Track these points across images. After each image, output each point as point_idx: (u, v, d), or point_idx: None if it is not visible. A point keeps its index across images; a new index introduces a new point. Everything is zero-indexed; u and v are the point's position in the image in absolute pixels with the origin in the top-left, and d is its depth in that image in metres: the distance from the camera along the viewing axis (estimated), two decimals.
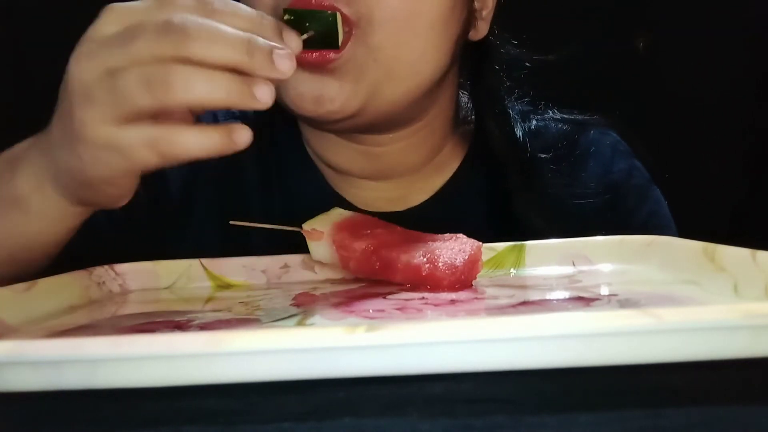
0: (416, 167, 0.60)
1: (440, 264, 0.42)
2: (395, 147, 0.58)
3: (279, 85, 0.49)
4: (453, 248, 0.43)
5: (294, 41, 0.38)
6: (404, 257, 0.43)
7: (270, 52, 0.35)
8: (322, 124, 0.53)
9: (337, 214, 0.48)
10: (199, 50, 0.34)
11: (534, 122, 0.64)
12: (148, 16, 0.35)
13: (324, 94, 0.48)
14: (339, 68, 0.48)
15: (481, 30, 0.58)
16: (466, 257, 0.42)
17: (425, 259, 0.42)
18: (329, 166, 0.61)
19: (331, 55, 0.47)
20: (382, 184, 0.60)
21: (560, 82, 0.65)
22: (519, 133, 0.61)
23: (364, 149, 0.58)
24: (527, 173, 0.60)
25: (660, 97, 0.97)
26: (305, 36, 0.42)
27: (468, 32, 0.57)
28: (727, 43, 0.95)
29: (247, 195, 0.62)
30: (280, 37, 0.37)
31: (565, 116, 0.65)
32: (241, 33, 0.35)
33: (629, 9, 0.97)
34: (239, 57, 0.34)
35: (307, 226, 0.47)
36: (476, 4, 0.56)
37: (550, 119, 0.65)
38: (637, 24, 0.98)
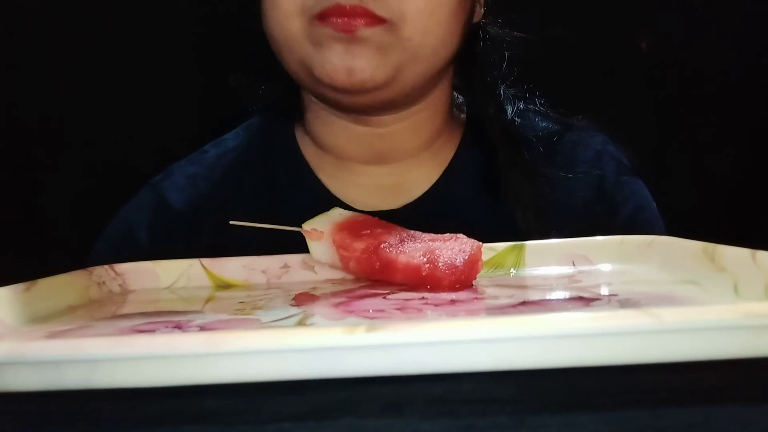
0: (415, 151, 0.63)
1: (440, 264, 0.42)
2: (398, 127, 0.61)
3: (314, 64, 0.53)
4: (453, 248, 0.43)
5: None
6: (404, 257, 0.43)
7: None
8: (353, 96, 0.55)
9: (337, 213, 0.48)
10: None
11: (527, 116, 0.66)
12: None
13: (355, 65, 0.52)
14: (367, 42, 0.52)
15: (478, 13, 0.62)
16: (466, 257, 0.42)
17: (425, 259, 0.42)
18: (331, 152, 0.62)
19: (358, 22, 0.51)
20: (381, 169, 0.62)
21: (555, 79, 0.66)
22: (511, 116, 0.64)
23: (367, 131, 0.61)
24: (519, 160, 0.62)
25: (660, 95, 0.97)
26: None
27: (473, 15, 0.60)
28: (727, 42, 0.95)
29: (244, 201, 0.63)
30: None
31: (556, 116, 0.67)
32: None
33: (630, 7, 0.97)
34: None
35: (307, 226, 0.47)
36: None
37: (542, 116, 0.67)
38: (637, 21, 0.98)
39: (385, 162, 0.62)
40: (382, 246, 0.44)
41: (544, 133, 0.65)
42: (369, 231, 0.46)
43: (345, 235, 0.45)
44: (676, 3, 0.95)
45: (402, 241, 0.45)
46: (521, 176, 0.61)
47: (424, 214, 0.61)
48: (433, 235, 0.46)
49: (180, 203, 0.63)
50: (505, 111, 0.64)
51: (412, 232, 0.46)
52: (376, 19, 0.51)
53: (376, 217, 0.48)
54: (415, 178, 0.63)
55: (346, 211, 0.48)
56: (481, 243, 0.44)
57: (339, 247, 0.45)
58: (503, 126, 0.63)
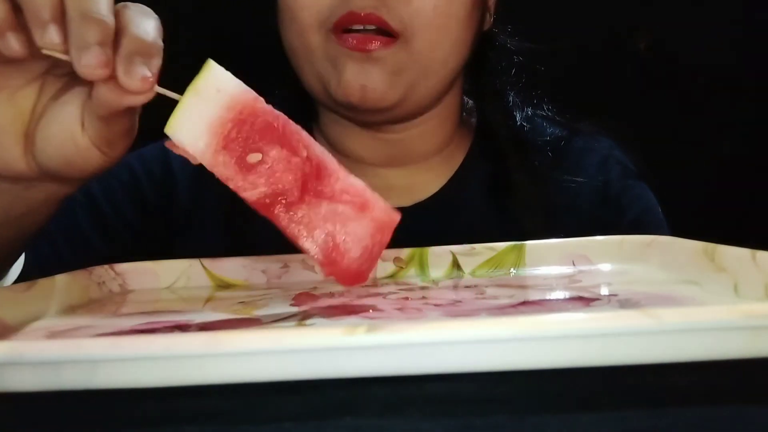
0: (427, 155, 0.63)
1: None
2: (409, 134, 0.61)
3: (330, 81, 0.54)
4: None
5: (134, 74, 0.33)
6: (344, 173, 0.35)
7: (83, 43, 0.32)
8: (364, 114, 0.56)
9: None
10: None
11: (535, 122, 0.66)
12: None
13: (368, 85, 0.53)
14: (381, 62, 0.53)
15: (488, 21, 0.62)
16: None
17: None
18: (344, 154, 0.63)
19: (373, 44, 0.52)
20: (393, 171, 0.63)
21: (561, 84, 0.66)
22: (520, 122, 0.64)
23: (380, 136, 0.61)
24: (527, 165, 0.62)
25: (660, 96, 0.97)
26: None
27: (483, 24, 0.61)
28: (727, 42, 0.95)
29: None
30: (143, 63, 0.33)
31: (563, 122, 0.67)
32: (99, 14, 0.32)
33: (630, 7, 0.97)
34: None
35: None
36: None
37: (549, 122, 0.67)
38: (638, 22, 0.98)
39: (397, 165, 0.63)
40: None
41: (552, 138, 0.65)
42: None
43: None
44: (677, 4, 0.96)
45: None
46: (529, 181, 0.62)
47: (433, 213, 0.61)
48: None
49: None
50: (514, 117, 0.65)
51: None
52: (389, 39, 0.52)
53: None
54: (426, 180, 0.63)
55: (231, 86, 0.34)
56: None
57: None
58: (512, 131, 0.64)
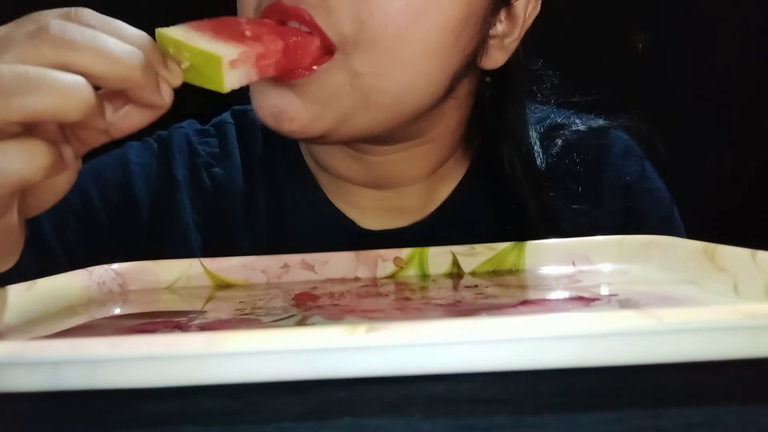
0: (418, 179, 0.57)
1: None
2: (394, 157, 0.54)
3: (251, 94, 0.46)
4: None
5: (176, 71, 0.34)
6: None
7: (156, 75, 0.33)
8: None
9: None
10: (83, 60, 0.30)
11: (547, 136, 0.60)
12: (18, 28, 0.30)
13: (284, 112, 0.44)
14: (305, 87, 0.43)
15: (495, 59, 0.51)
16: None
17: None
18: (329, 172, 0.57)
19: (299, 71, 0.42)
20: (382, 193, 0.57)
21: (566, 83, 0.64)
22: (539, 161, 0.58)
23: (359, 156, 0.54)
24: (541, 191, 0.57)
25: (660, 96, 0.97)
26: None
27: (476, 60, 0.50)
28: (727, 42, 0.95)
29: (233, 209, 0.58)
30: (164, 65, 0.34)
31: (576, 121, 0.62)
32: (133, 49, 0.32)
33: (631, 9, 0.97)
34: (129, 73, 0.31)
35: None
36: (498, 30, 0.50)
37: (559, 127, 0.61)
38: (636, 24, 0.98)
39: (386, 187, 0.57)
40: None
41: (565, 150, 0.59)
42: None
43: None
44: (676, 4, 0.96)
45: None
46: (543, 203, 0.56)
47: (432, 233, 0.57)
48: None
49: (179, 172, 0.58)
50: (529, 150, 0.57)
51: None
52: (321, 58, 0.43)
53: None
54: (422, 201, 0.58)
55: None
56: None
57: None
58: (529, 165, 0.57)
